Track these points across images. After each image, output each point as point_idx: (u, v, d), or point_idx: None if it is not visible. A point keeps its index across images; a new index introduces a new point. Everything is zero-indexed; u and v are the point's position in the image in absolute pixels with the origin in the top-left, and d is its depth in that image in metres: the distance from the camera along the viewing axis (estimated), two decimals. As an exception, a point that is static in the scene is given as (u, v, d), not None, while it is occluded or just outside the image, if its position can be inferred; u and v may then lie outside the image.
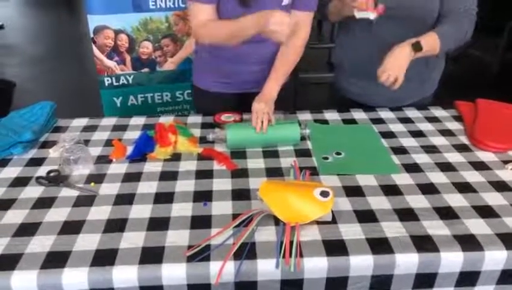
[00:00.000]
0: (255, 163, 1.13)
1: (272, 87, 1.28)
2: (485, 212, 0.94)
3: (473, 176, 1.07)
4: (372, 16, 1.28)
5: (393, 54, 1.24)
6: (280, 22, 1.08)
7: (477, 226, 0.90)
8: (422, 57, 1.28)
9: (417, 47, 1.24)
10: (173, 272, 0.80)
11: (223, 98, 1.46)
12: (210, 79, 1.45)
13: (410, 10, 1.31)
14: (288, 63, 1.31)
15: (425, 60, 1.41)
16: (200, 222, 0.90)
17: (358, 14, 1.30)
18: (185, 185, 1.03)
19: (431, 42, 1.27)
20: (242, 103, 1.44)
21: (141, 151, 1.16)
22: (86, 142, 1.22)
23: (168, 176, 1.07)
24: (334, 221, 0.90)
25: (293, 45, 1.31)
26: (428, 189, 1.02)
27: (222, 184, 1.03)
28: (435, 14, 1.32)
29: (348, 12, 1.31)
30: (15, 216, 0.92)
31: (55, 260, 0.81)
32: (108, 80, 2.07)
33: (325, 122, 1.36)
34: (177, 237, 0.86)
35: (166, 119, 1.34)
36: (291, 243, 0.84)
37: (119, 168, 1.10)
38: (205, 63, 1.41)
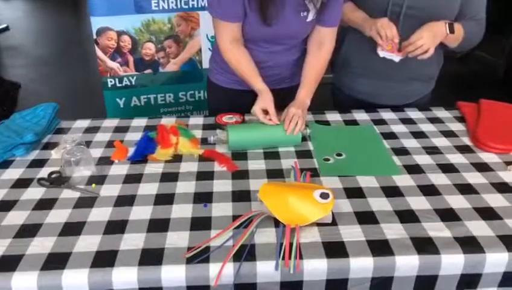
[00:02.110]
0: (256, 164, 1.13)
1: (305, 95, 1.30)
2: (487, 214, 0.93)
3: (474, 178, 1.06)
4: (396, 58, 1.30)
5: (430, 27, 1.25)
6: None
7: (478, 228, 0.89)
8: (442, 43, 1.30)
9: (451, 29, 1.26)
10: (173, 273, 0.80)
11: (236, 94, 1.47)
12: (225, 76, 1.47)
13: (431, 12, 1.30)
14: (317, 73, 1.34)
15: (436, 59, 1.43)
16: (200, 224, 0.90)
17: (382, 53, 1.32)
18: (186, 187, 1.03)
19: (459, 31, 1.29)
20: (252, 99, 1.44)
21: (142, 153, 1.16)
22: (88, 143, 1.22)
23: (168, 177, 1.07)
24: (334, 223, 0.90)
25: (320, 57, 1.35)
26: (429, 190, 1.01)
27: (222, 185, 1.03)
28: (452, 18, 1.33)
29: (368, 34, 1.32)
30: (16, 217, 0.93)
31: (56, 261, 0.81)
32: (111, 81, 2.08)
33: (326, 123, 1.36)
34: (177, 239, 0.86)
35: (167, 121, 1.34)
36: (291, 244, 0.83)
37: (120, 169, 1.11)
38: (221, 61, 1.42)
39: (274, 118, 1.21)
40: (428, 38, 1.24)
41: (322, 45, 1.34)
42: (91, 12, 1.96)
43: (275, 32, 1.29)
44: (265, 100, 1.23)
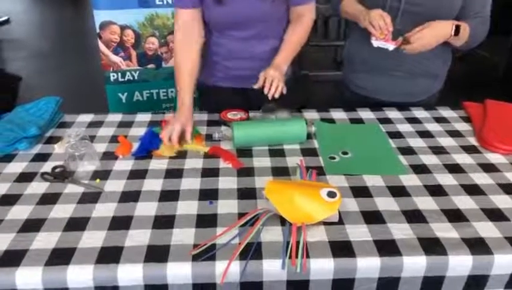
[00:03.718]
0: (261, 162, 1.12)
1: (282, 60, 1.30)
2: (494, 215, 0.93)
3: (481, 178, 1.06)
4: (391, 47, 1.28)
5: (434, 27, 1.24)
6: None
7: (486, 229, 0.88)
8: (447, 44, 1.31)
9: (457, 31, 1.25)
10: (178, 270, 0.79)
11: (222, 92, 1.47)
12: (209, 73, 1.46)
13: (430, 7, 1.29)
14: (297, 40, 1.35)
15: (443, 56, 1.42)
16: (206, 221, 0.90)
17: (376, 43, 1.30)
18: (191, 183, 1.02)
19: (464, 32, 1.29)
20: (241, 98, 1.44)
21: (147, 148, 1.15)
22: (92, 138, 1.21)
23: (173, 173, 1.06)
24: (341, 222, 0.89)
25: (300, 26, 1.36)
26: (436, 191, 1.00)
27: (228, 183, 1.03)
28: (454, 15, 1.32)
29: (363, 25, 1.31)
30: (20, 212, 0.92)
31: (60, 256, 0.80)
32: (113, 76, 2.06)
33: (331, 121, 1.35)
34: (182, 236, 0.85)
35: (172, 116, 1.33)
36: (297, 243, 0.83)
37: (124, 164, 1.10)
38: (204, 59, 1.42)
39: (188, 139, 1.17)
40: (425, 39, 1.24)
41: (302, 17, 1.35)
42: (94, 5, 1.95)
43: (233, 13, 1.28)
44: (186, 119, 1.19)
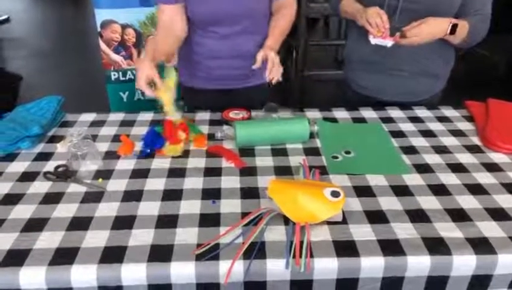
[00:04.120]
0: (264, 161, 1.12)
1: (273, 44, 1.32)
2: (498, 214, 0.92)
3: (485, 178, 1.05)
4: (389, 43, 1.28)
5: (430, 23, 1.24)
6: None
7: (489, 228, 0.88)
8: (444, 41, 1.31)
9: (453, 30, 1.25)
10: (182, 270, 0.79)
11: (206, 94, 1.47)
12: (191, 74, 1.46)
13: (429, 5, 1.29)
14: (282, 26, 1.37)
15: (444, 55, 1.42)
16: (209, 220, 0.90)
17: (373, 40, 1.30)
18: (193, 182, 1.02)
19: (462, 30, 1.28)
20: (226, 99, 1.44)
21: (152, 148, 1.14)
22: (94, 137, 1.21)
23: (176, 172, 1.06)
24: (344, 221, 0.89)
25: (284, 14, 1.39)
26: (439, 190, 1.00)
27: (230, 182, 1.02)
28: (454, 13, 1.31)
29: (360, 23, 1.32)
30: (23, 211, 0.92)
31: (64, 256, 0.80)
32: (115, 75, 2.06)
33: (334, 120, 1.35)
34: (185, 235, 0.85)
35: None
36: (301, 243, 0.83)
37: (127, 164, 1.09)
38: (185, 59, 1.42)
39: (159, 85, 1.17)
40: (422, 35, 1.24)
41: (283, 9, 1.37)
42: (95, 4, 1.94)
43: (218, 9, 1.27)
44: (149, 62, 1.19)
